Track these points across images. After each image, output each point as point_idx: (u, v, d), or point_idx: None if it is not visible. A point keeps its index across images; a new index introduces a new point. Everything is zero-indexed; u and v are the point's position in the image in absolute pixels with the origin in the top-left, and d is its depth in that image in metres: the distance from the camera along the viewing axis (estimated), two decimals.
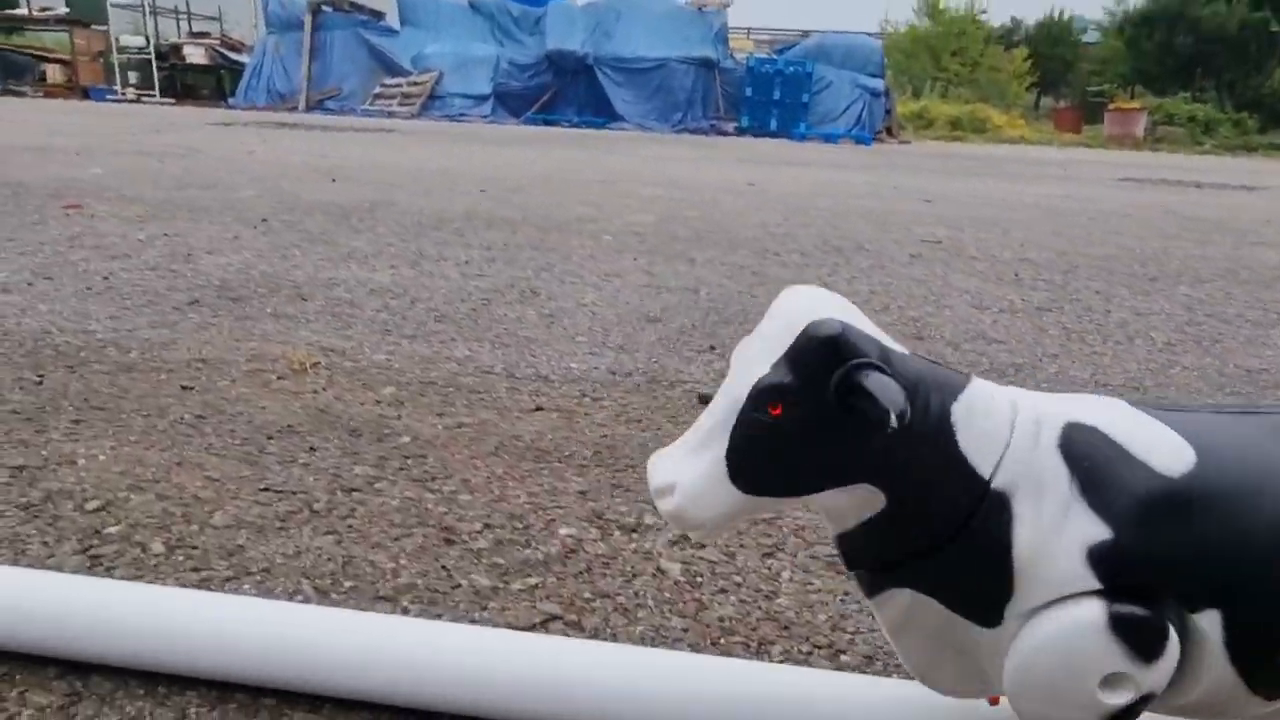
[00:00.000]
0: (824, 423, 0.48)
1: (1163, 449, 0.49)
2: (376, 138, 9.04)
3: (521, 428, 1.41)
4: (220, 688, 0.74)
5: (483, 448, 1.32)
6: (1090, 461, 0.49)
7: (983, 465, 0.49)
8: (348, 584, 0.94)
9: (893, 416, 0.45)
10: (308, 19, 18.13)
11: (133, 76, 18.97)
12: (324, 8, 18.48)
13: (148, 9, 20.15)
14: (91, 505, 1.08)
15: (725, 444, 0.49)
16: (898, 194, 5.79)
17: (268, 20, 18.69)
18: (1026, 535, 0.48)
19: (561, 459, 1.30)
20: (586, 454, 1.32)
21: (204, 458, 1.24)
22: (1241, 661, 0.48)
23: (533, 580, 0.96)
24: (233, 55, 20.45)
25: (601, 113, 17.23)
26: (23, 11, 20.45)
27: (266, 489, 1.15)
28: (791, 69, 16.91)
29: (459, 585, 0.95)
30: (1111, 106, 22.00)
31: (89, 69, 18.89)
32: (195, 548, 1.00)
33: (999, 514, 0.49)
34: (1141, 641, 0.47)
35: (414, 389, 1.56)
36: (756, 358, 0.49)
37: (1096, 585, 0.47)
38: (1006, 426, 0.50)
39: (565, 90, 17.89)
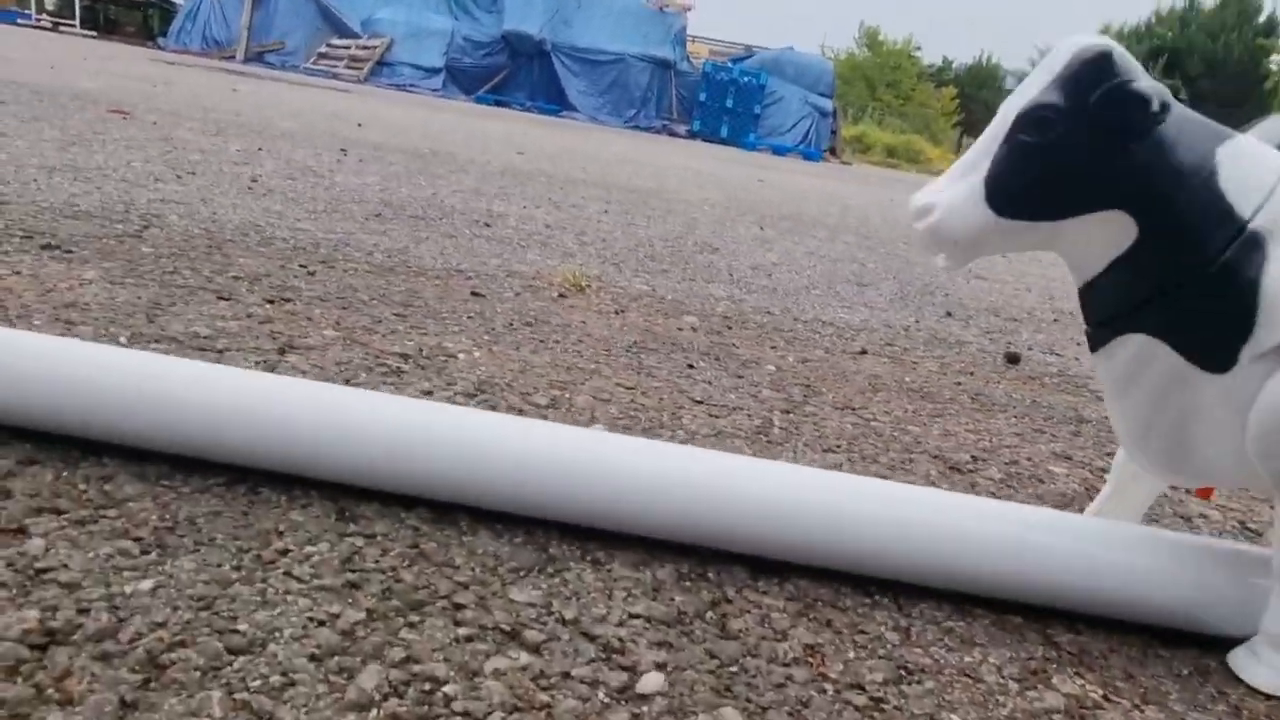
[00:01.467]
0: (1085, 141, 0.50)
1: None
2: (351, 96, 8.60)
3: (867, 368, 1.31)
4: None
5: (856, 385, 1.21)
6: None
7: (1243, 205, 0.49)
8: None
9: (1155, 100, 0.48)
10: None
11: (49, 2, 17.47)
12: None
13: None
14: (541, 400, 0.92)
15: (986, 170, 0.52)
16: (900, 204, 5.89)
17: None
18: (1277, 274, 0.48)
19: (945, 401, 1.20)
20: (965, 399, 1.23)
21: (591, 365, 1.08)
22: None
23: None
24: None
25: (554, 100, 16.96)
26: None
27: (702, 402, 1.01)
28: (746, 79, 17.10)
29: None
30: None
31: None
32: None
33: (1252, 252, 0.49)
34: None
35: (714, 321, 1.43)
36: (1021, 95, 0.52)
37: None
38: (1274, 175, 0.50)
39: (518, 73, 17.52)
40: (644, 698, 0.49)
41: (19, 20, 16.23)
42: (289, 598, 0.52)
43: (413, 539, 0.61)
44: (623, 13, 17.74)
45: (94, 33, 16.92)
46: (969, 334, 1.68)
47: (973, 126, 32.42)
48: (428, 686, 0.47)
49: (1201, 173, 0.50)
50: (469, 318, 1.20)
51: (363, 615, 0.52)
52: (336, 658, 0.48)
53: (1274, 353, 0.49)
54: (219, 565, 0.54)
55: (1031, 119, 0.51)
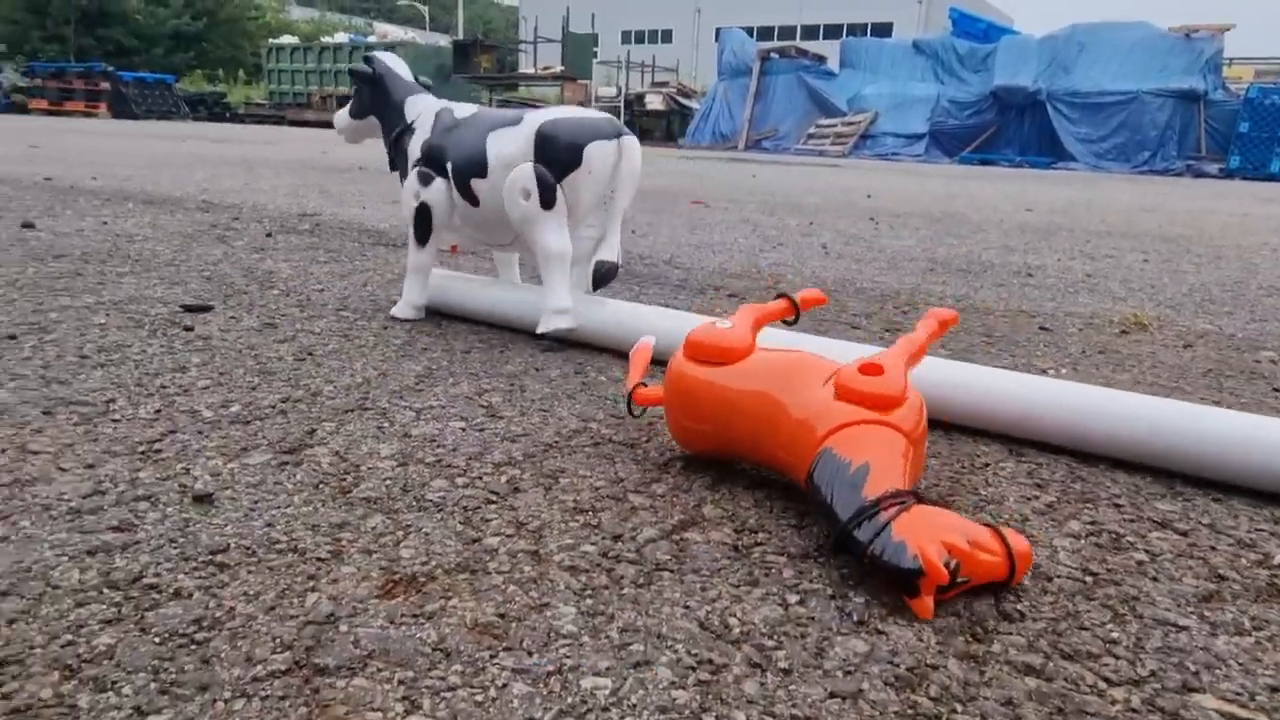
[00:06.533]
0: (363, 89, 1.46)
1: (464, 111, 1.37)
2: (844, 171, 9.34)
3: None
4: None
5: None
6: (440, 114, 1.37)
7: (415, 118, 1.39)
8: None
9: (366, 73, 1.44)
10: (756, 65, 19.53)
11: None
12: (772, 55, 19.77)
13: (621, 64, 23.27)
14: None
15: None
16: None
17: (719, 68, 20.47)
18: (414, 144, 1.36)
19: None
20: None
21: (1171, 384, 1.25)
22: (460, 186, 1.31)
23: None
24: (684, 101, 22.75)
25: (1046, 151, 15.98)
26: (528, 70, 24.77)
27: None
28: None
29: None
30: None
31: None
32: None
33: (408, 134, 1.38)
34: (425, 176, 1.34)
35: None
36: (362, 65, 1.50)
37: (420, 157, 1.35)
38: (426, 108, 1.39)
39: (1006, 128, 16.94)
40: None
41: None
42: (1002, 486, 0.85)
43: (1069, 469, 0.90)
44: (1136, 47, 16.05)
45: None
46: None
47: None
48: (1107, 537, 0.75)
49: (399, 105, 1.41)
50: (1044, 346, 1.46)
51: (1054, 499, 0.82)
52: (1039, 519, 0.79)
53: (414, 167, 1.36)
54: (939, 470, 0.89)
55: (352, 78, 1.48)
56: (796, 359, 0.81)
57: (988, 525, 0.65)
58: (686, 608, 0.61)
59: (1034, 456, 0.93)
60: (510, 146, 1.24)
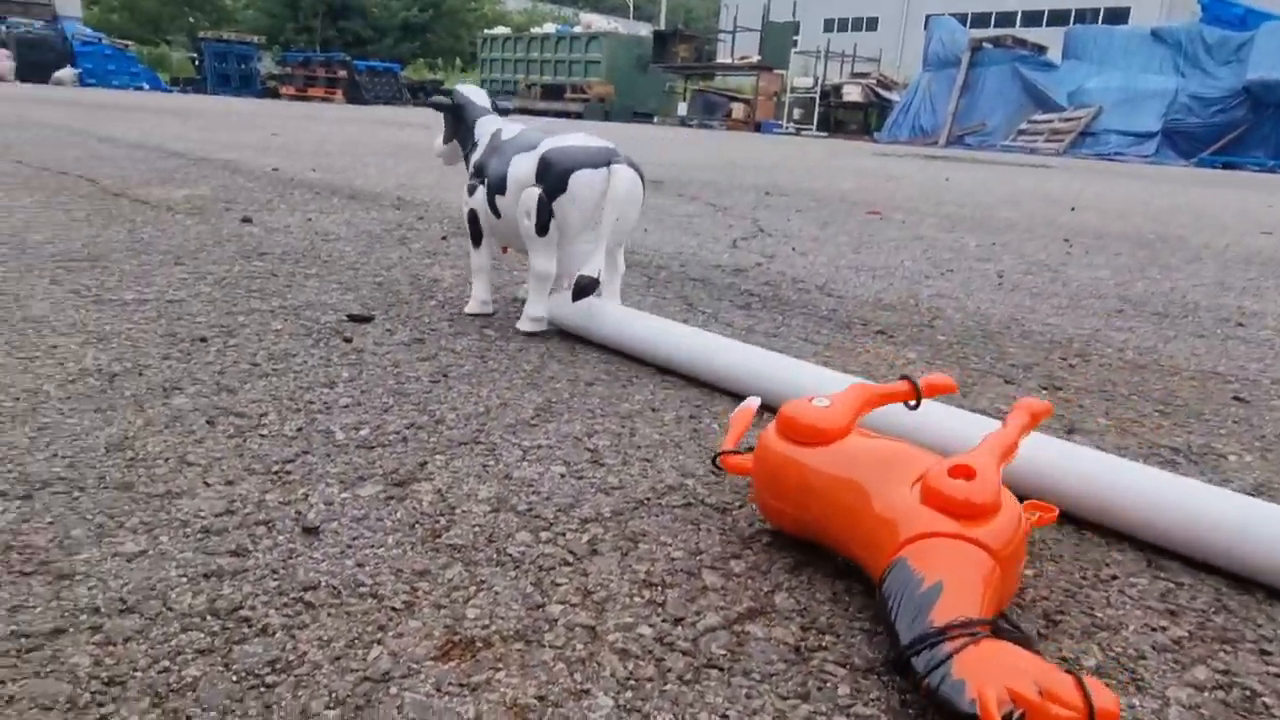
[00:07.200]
0: (449, 118, 1.67)
1: (511, 130, 1.54)
2: (1055, 173, 8.60)
3: None
4: None
5: None
6: (493, 135, 1.57)
7: (479, 137, 1.60)
8: None
9: (448, 104, 1.65)
10: (965, 56, 18.36)
11: (796, 113, 21.63)
12: (985, 45, 18.51)
13: (820, 54, 22.65)
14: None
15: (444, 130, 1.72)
16: None
17: (926, 59, 19.43)
18: (475, 157, 1.58)
19: None
20: None
21: None
22: (489, 200, 1.51)
23: None
24: (884, 93, 21.81)
25: None
26: (725, 60, 24.66)
27: None
28: None
29: None
30: None
31: (764, 107, 21.99)
32: None
33: (474, 151, 1.60)
34: (471, 188, 1.56)
35: None
36: (442, 101, 1.69)
37: (473, 173, 1.56)
38: (488, 128, 1.59)
39: (1260, 127, 14.92)
40: None
41: (774, 130, 20.39)
42: (1125, 608, 0.76)
43: (1215, 594, 0.79)
44: None
45: (825, 133, 20.28)
46: None
47: None
48: (1239, 694, 0.65)
49: (471, 128, 1.62)
50: (1233, 423, 1.28)
51: (1185, 633, 0.72)
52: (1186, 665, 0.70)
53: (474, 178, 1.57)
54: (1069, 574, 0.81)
55: (434, 107, 1.66)
56: (893, 449, 0.77)
57: (1070, 673, 0.58)
58: (725, 717, 0.59)
59: (1176, 573, 0.82)
60: (524, 168, 1.43)
